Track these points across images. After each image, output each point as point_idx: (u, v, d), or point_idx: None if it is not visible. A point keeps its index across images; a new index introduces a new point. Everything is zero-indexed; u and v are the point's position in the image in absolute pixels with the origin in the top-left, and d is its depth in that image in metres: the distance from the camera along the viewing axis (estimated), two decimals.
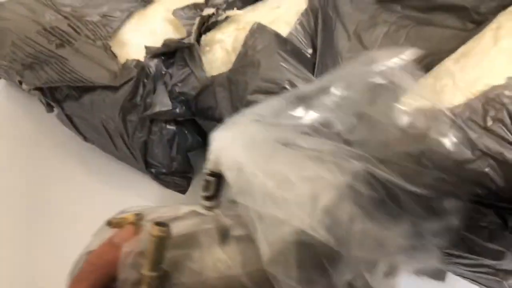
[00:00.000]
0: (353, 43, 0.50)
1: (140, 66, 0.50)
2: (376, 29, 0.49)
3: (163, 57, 0.50)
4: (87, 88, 0.54)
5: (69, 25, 0.55)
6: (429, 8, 0.47)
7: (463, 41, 0.38)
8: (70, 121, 0.58)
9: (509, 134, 0.24)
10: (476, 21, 0.42)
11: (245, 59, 0.41)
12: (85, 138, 0.59)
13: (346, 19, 0.52)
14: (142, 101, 0.51)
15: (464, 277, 0.39)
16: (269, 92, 0.39)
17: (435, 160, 0.27)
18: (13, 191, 0.62)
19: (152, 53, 0.49)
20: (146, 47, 0.50)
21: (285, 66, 0.38)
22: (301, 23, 0.48)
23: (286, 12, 0.49)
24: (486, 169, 0.25)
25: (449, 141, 0.26)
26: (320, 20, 0.49)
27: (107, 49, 0.55)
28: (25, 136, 0.68)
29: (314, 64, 0.45)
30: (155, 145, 0.53)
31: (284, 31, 0.45)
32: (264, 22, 0.42)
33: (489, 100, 0.25)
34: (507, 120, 0.24)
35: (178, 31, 0.54)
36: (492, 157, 0.25)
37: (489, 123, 0.25)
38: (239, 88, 0.41)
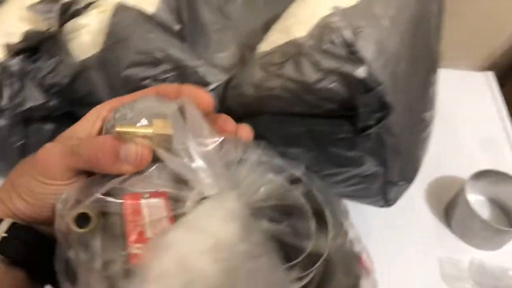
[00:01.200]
0: (217, 16, 0.53)
1: (1, 66, 0.47)
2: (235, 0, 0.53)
3: (26, 53, 0.48)
4: None
5: None
6: None
7: None
8: None
9: (342, 50, 0.30)
10: None
11: (113, 37, 0.41)
12: None
13: None
14: (9, 103, 0.48)
15: (341, 196, 0.45)
16: (142, 64, 0.40)
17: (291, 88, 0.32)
18: None
19: (13, 50, 0.47)
20: (6, 45, 0.47)
21: (154, 36, 0.40)
22: (164, 1, 0.50)
23: None
24: (332, 85, 0.31)
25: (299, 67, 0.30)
26: None
27: None
28: None
29: (183, 39, 0.47)
30: (35, 148, 0.50)
31: (149, 11, 0.46)
32: (128, 4, 0.43)
33: (323, 28, 0.31)
34: (337, 40, 0.30)
35: (35, 27, 0.52)
36: (333, 73, 0.31)
37: (326, 45, 0.30)
38: (112, 66, 0.42)
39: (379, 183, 0.40)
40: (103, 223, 0.22)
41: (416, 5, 0.36)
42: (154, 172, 0.23)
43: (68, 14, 0.47)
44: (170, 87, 0.28)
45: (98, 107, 0.28)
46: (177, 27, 0.49)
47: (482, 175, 0.54)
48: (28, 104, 0.45)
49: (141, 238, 0.21)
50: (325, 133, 0.34)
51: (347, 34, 0.30)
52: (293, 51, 0.32)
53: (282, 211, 0.23)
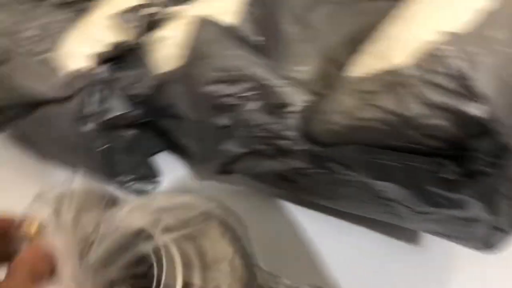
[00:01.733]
0: (298, 27, 0.51)
1: (90, 75, 0.49)
2: (318, 10, 0.50)
3: (112, 62, 0.49)
4: (37, 104, 0.52)
5: (5, 42, 0.52)
6: None
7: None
8: (25, 140, 0.55)
9: (454, 84, 0.26)
10: None
11: (197, 52, 0.40)
12: (44, 156, 0.57)
13: (288, 3, 0.52)
14: (96, 109, 0.49)
15: (436, 234, 0.41)
16: (224, 81, 0.39)
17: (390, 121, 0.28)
18: None
19: (102, 58, 0.48)
20: (96, 54, 0.48)
21: (236, 53, 0.39)
22: (247, 12, 0.48)
23: (232, 3, 0.49)
24: (440, 122, 0.27)
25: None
26: (265, 7, 0.49)
27: (51, 62, 0.53)
28: None
29: (264, 51, 0.46)
30: (117, 152, 0.52)
31: (231, 22, 0.45)
32: (211, 14, 0.42)
33: (429, 56, 0.27)
34: (448, 71, 0.26)
35: (121, 36, 0.53)
36: (442, 109, 0.27)
37: (433, 77, 0.26)
38: (194, 82, 0.41)
39: (483, 229, 0.35)
40: None
41: None
42: None
43: (152, 25, 0.48)
44: None
45: None
46: (258, 38, 0.48)
47: None
48: (114, 113, 0.46)
49: None
50: (424, 172, 0.30)
51: (461, 64, 0.26)
52: (393, 81, 0.28)
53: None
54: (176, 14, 0.47)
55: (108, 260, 0.24)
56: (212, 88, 0.39)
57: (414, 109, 0.27)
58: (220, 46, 0.39)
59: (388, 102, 0.28)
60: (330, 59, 0.46)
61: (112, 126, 0.51)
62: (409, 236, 0.49)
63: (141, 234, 0.25)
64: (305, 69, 0.47)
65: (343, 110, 0.31)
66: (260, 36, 0.48)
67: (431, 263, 0.47)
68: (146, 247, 0.24)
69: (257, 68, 0.38)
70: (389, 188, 0.35)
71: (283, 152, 0.39)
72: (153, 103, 0.46)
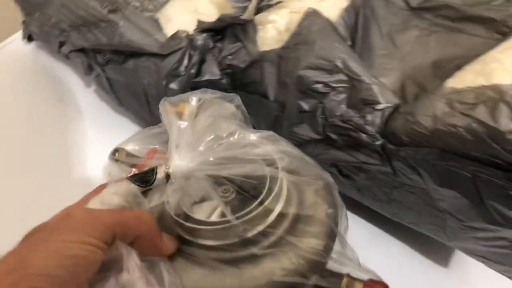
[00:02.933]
0: (386, 42, 0.54)
1: (189, 38, 0.53)
2: (407, 33, 0.54)
3: (211, 33, 0.54)
4: (132, 54, 0.57)
5: None
6: (458, 18, 0.52)
7: (492, 48, 0.43)
8: (109, 84, 0.60)
9: None
10: (503, 33, 0.47)
11: (299, 38, 0.45)
12: (120, 103, 0.62)
13: (380, 21, 0.56)
14: (186, 71, 0.54)
15: (477, 256, 0.43)
16: (321, 69, 0.43)
17: (478, 131, 0.32)
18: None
19: (204, 27, 0.53)
20: (199, 21, 0.53)
21: (338, 46, 0.43)
22: (343, 18, 0.52)
23: (330, 6, 0.54)
24: None
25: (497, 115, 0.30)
26: (360, 17, 0.54)
27: (155, 20, 0.58)
28: (48, 97, 0.70)
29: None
30: None
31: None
32: (319, 11, 0.47)
33: None
34: None
35: (221, 11, 0.58)
36: None
37: None
38: (289, 64, 0.45)
39: None
40: None
41: None
42: None
43: (258, 9, 0.52)
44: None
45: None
46: (349, 43, 0.52)
47: None
48: (206, 77, 0.50)
49: None
50: (494, 186, 0.33)
51: None
52: (492, 96, 0.31)
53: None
54: (281, 3, 0.52)
55: (228, 161, 0.28)
56: (308, 73, 0.43)
57: (506, 123, 0.30)
58: (323, 36, 0.43)
59: (482, 113, 0.31)
60: (409, 77, 0.50)
61: (194, 87, 0.55)
62: (443, 257, 0.51)
63: (264, 159, 0.29)
64: (384, 81, 0.50)
65: (434, 114, 0.34)
66: (350, 41, 0.52)
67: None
68: (266, 170, 0.28)
69: (354, 63, 0.41)
70: (449, 197, 0.37)
71: (355, 145, 0.43)
72: (242, 76, 0.50)
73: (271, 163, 0.29)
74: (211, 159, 0.29)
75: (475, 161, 0.33)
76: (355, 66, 0.42)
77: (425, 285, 0.48)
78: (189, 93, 0.35)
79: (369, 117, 0.41)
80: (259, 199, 0.27)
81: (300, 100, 0.45)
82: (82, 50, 0.61)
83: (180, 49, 0.53)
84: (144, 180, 0.29)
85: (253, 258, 0.26)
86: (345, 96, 0.43)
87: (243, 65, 0.49)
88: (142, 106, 0.59)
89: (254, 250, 0.26)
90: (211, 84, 0.51)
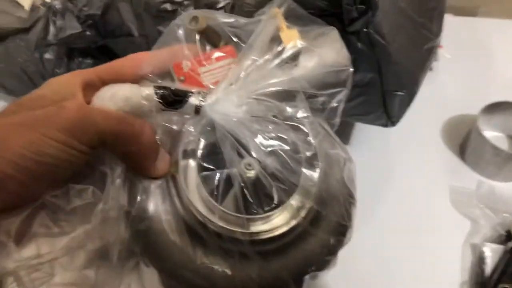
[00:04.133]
0: None
1: (47, 6, 0.54)
2: None
3: None
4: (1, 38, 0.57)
5: None
6: None
7: None
8: None
9: None
10: None
11: None
12: (6, 90, 0.62)
13: None
14: (55, 39, 0.55)
15: (348, 117, 0.48)
16: None
17: None
18: None
19: None
20: None
21: None
22: None
23: None
24: None
25: None
26: None
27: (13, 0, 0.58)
28: None
29: None
30: None
31: None
32: None
33: None
34: None
35: None
36: None
37: None
38: None
39: (377, 94, 0.42)
40: None
41: None
42: None
43: None
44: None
45: (75, 72, 0.26)
46: None
47: (495, 107, 0.54)
48: (67, 32, 0.51)
49: None
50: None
51: None
52: None
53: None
54: None
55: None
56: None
57: None
58: None
59: None
60: None
61: (71, 54, 0.57)
62: None
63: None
64: None
65: None
66: None
67: None
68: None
69: None
70: None
71: None
72: (103, 24, 0.51)
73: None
74: (252, 116, 0.26)
75: None
76: None
77: None
78: None
79: None
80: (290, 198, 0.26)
81: (157, 25, 0.47)
82: None
83: (40, 17, 0.54)
84: (170, 99, 0.25)
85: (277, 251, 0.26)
86: (192, 8, 0.45)
87: (99, 11, 0.50)
88: (27, 86, 0.59)
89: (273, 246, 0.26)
90: (78, 39, 0.52)
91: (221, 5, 0.44)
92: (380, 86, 0.41)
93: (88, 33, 0.52)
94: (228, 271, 0.26)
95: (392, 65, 0.39)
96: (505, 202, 0.50)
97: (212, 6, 0.44)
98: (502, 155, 0.50)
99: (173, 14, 0.46)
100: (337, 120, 0.33)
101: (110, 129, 0.22)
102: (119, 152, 0.24)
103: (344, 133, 0.59)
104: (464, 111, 0.62)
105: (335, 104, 0.31)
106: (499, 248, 0.45)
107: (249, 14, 0.39)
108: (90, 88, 0.25)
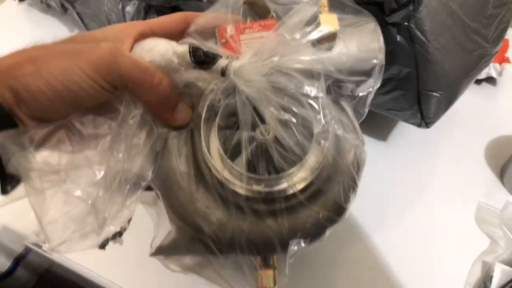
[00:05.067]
0: None
1: None
2: None
3: None
4: None
5: None
6: None
7: None
8: (81, 20, 0.69)
9: None
10: None
11: None
12: None
13: None
14: None
15: (384, 110, 0.48)
16: None
17: None
18: None
19: None
20: None
21: None
22: None
23: None
24: None
25: None
26: None
27: None
28: None
29: None
30: None
31: None
32: None
33: None
34: None
35: None
36: None
37: None
38: None
39: (413, 90, 0.42)
40: None
41: None
42: None
43: None
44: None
45: (132, 23, 0.29)
46: None
47: None
48: None
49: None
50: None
51: None
52: None
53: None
54: None
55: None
56: None
57: None
58: None
59: None
60: None
61: (148, 12, 0.63)
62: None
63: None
64: None
65: None
66: None
67: None
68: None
69: None
70: None
71: None
72: None
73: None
74: (273, 86, 0.28)
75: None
76: None
77: None
78: None
79: None
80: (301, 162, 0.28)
81: None
82: None
83: None
84: (201, 59, 0.28)
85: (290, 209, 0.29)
86: None
87: None
88: None
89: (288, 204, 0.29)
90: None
91: None
92: (416, 83, 0.41)
93: None
94: (224, 219, 0.29)
95: (431, 64, 0.39)
96: None
97: None
98: None
99: None
100: (365, 110, 0.35)
101: (131, 75, 0.25)
102: (140, 98, 0.27)
103: (384, 128, 0.60)
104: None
105: (363, 93, 0.33)
106: (510, 271, 0.44)
107: None
108: (144, 38, 0.28)
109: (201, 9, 0.56)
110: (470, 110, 0.62)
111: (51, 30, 0.81)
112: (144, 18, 0.63)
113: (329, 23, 0.30)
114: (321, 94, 0.29)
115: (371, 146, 0.59)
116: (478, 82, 0.65)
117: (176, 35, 0.30)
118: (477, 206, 0.52)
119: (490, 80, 0.65)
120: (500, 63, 0.62)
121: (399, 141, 0.59)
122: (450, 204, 0.53)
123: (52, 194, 0.27)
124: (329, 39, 0.30)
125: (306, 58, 0.29)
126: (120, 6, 0.63)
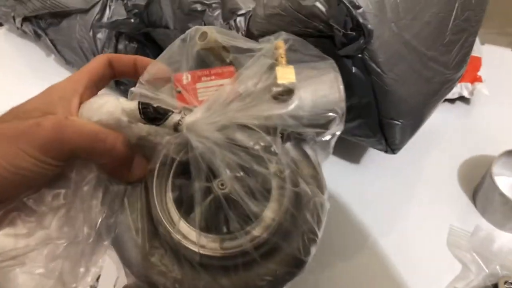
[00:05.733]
0: None
1: None
2: None
3: None
4: (65, 14, 0.65)
5: None
6: None
7: None
8: (54, 46, 0.69)
9: None
10: None
11: None
12: (66, 61, 0.71)
13: None
14: (106, 20, 0.62)
15: (350, 136, 0.48)
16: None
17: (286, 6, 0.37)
18: None
19: None
20: None
21: None
22: None
23: None
24: (316, 3, 0.35)
25: None
26: None
27: None
28: (19, 70, 0.80)
29: None
30: None
31: None
32: None
33: None
34: None
35: None
36: None
37: None
38: None
39: (374, 118, 0.42)
40: None
41: None
42: None
43: None
44: (127, 58, 0.30)
45: (73, 78, 0.28)
46: None
47: None
48: (114, 18, 0.58)
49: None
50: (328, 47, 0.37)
51: None
52: None
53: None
54: None
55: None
56: (195, 6, 0.49)
57: None
58: None
59: None
60: None
61: (119, 37, 0.63)
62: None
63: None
64: None
65: (263, 2, 0.40)
66: None
67: None
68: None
69: None
70: None
71: None
72: (146, 14, 0.57)
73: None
74: (227, 142, 0.27)
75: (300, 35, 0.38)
76: None
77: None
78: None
79: (237, 23, 0.47)
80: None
81: (188, 22, 0.52)
82: (29, 20, 0.70)
83: (99, 1, 0.61)
84: (152, 116, 0.27)
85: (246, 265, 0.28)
86: (219, 12, 0.49)
87: (143, 2, 0.56)
88: (81, 59, 0.67)
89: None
90: (123, 25, 0.58)
91: (242, 11, 0.46)
92: (377, 111, 0.41)
93: (132, 20, 0.58)
94: (179, 276, 0.28)
95: (388, 94, 0.39)
96: (501, 254, 0.47)
97: (235, 12, 0.47)
98: (510, 204, 0.48)
99: (202, 14, 0.50)
100: (330, 150, 0.34)
101: (82, 146, 0.24)
102: (94, 162, 0.27)
103: (356, 151, 0.60)
104: (489, 151, 0.59)
105: (326, 138, 0.32)
106: None
107: (261, 25, 0.42)
108: (90, 90, 0.28)
109: (168, 36, 0.56)
110: (444, 129, 0.62)
111: (29, 53, 0.81)
112: (116, 45, 0.63)
113: (285, 77, 0.29)
114: (278, 149, 0.28)
115: (343, 169, 0.59)
116: (451, 101, 0.65)
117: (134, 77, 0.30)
118: (449, 230, 0.51)
119: (463, 98, 0.65)
120: (472, 82, 0.62)
121: (372, 163, 0.59)
122: (423, 228, 0.53)
123: (14, 276, 0.26)
124: (286, 93, 0.29)
125: (262, 113, 0.28)
126: (91, 33, 0.63)
